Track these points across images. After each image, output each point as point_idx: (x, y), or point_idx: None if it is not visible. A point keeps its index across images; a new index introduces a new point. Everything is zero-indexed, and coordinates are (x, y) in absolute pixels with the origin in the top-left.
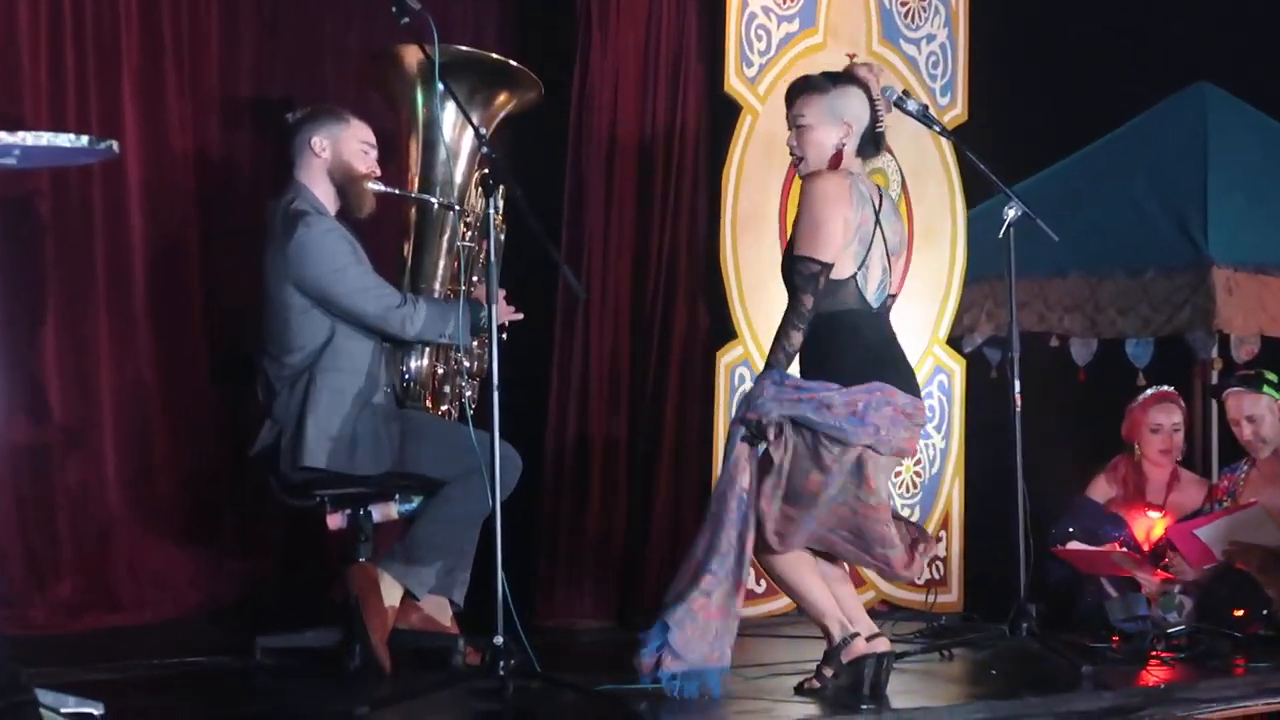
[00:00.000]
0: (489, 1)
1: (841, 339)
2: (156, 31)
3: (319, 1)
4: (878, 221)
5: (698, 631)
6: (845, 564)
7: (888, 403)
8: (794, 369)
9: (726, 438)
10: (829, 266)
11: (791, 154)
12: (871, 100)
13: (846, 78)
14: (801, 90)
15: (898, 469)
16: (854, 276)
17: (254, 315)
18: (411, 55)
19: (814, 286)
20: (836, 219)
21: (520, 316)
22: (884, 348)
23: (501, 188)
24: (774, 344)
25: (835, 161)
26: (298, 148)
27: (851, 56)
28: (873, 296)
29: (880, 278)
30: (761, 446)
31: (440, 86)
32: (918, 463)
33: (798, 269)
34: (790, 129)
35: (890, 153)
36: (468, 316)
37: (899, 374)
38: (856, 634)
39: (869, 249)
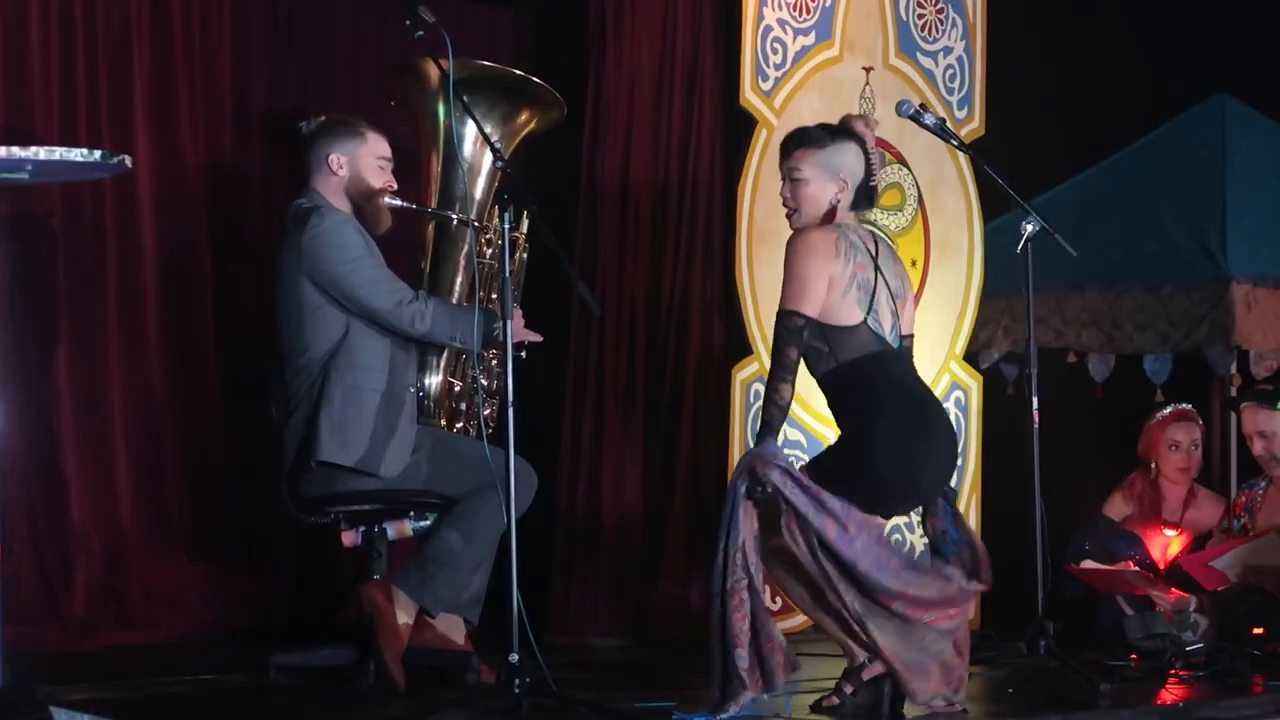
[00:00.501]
0: (502, 14)
1: (874, 381)
2: (168, 42)
3: (332, 12)
4: (877, 267)
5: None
6: None
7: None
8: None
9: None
10: (810, 321)
11: (785, 205)
12: (867, 154)
13: (844, 132)
14: (798, 144)
15: None
16: (864, 322)
17: (268, 329)
18: (433, 69)
19: (798, 340)
20: (820, 273)
21: (538, 339)
22: (915, 387)
23: (519, 204)
24: (765, 402)
25: (829, 217)
26: (314, 163)
27: (868, 70)
28: (891, 339)
29: (891, 321)
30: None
31: (459, 102)
32: None
33: (780, 324)
34: (784, 180)
35: (906, 166)
36: (482, 324)
37: (929, 417)
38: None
39: (873, 294)
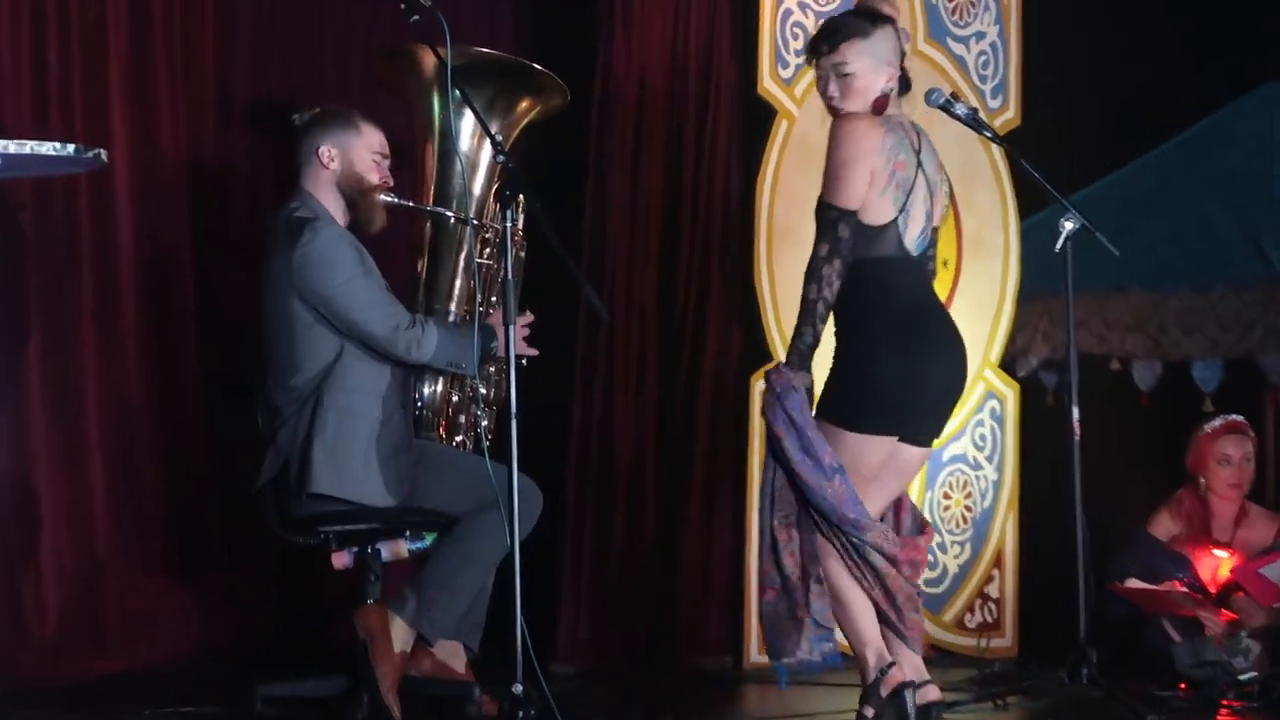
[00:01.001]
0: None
1: (877, 285)
2: (146, 26)
3: None
4: (919, 164)
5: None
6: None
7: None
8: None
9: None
10: (850, 214)
11: (830, 104)
12: (899, 36)
13: (880, 17)
14: (843, 36)
15: (945, 500)
16: (894, 221)
17: (254, 333)
18: (427, 56)
19: (832, 236)
20: (863, 164)
21: (533, 353)
22: (923, 297)
23: (521, 201)
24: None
25: (880, 107)
26: (304, 155)
27: None
28: (913, 244)
29: (923, 224)
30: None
31: (456, 92)
32: (968, 496)
33: (823, 215)
34: (828, 78)
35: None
36: (480, 345)
37: (930, 341)
38: (893, 663)
39: (909, 193)
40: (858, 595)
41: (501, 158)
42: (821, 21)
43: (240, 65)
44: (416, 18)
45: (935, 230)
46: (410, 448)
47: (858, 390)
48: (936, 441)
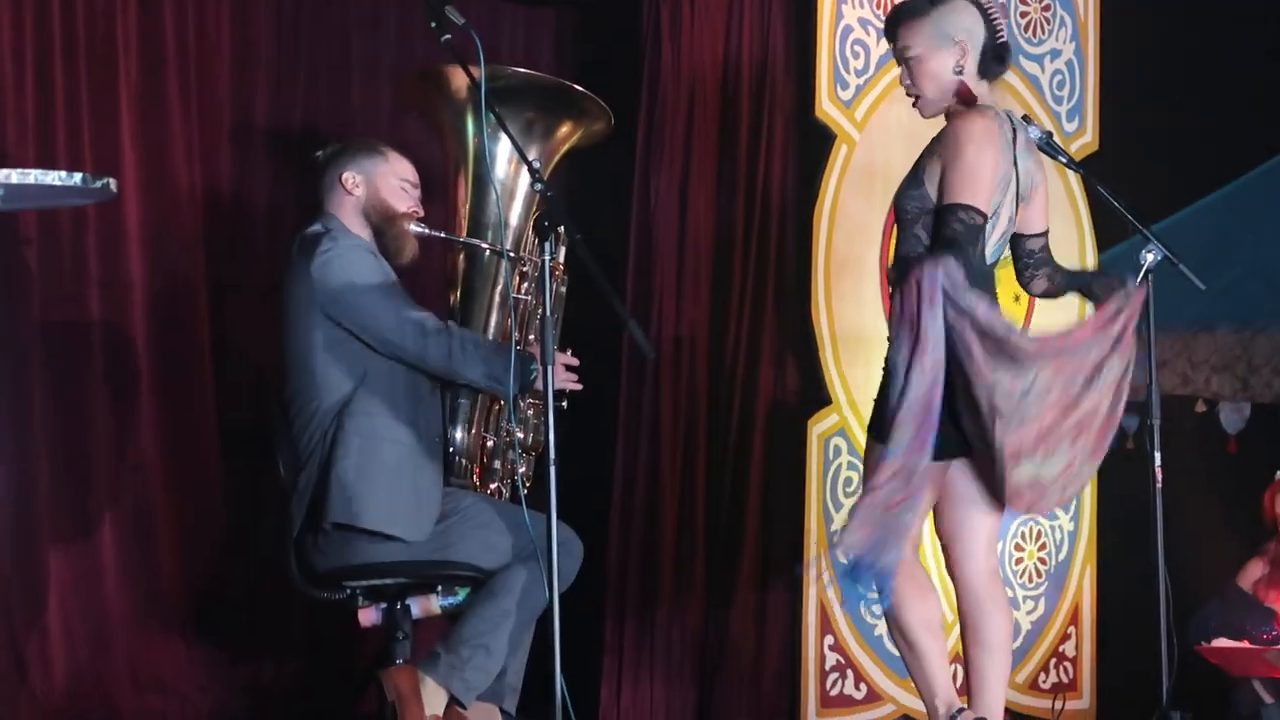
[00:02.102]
0: (542, 13)
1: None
2: (159, 50)
3: (346, 14)
4: (1015, 160)
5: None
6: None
7: None
8: None
9: None
10: (989, 218)
11: (908, 94)
12: (983, 8)
13: None
14: (900, 19)
15: (1017, 553)
16: (981, 227)
17: (274, 376)
18: (460, 77)
19: (978, 239)
20: (989, 163)
21: (579, 387)
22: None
23: (560, 232)
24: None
25: (965, 92)
26: (327, 184)
27: None
28: (991, 249)
29: (1005, 228)
30: None
31: (491, 115)
32: (1042, 548)
33: (958, 218)
34: (900, 65)
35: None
36: (519, 367)
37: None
38: (962, 709)
39: (1004, 195)
40: (932, 644)
41: (540, 186)
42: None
43: (259, 91)
44: (449, 36)
45: (1040, 236)
46: (440, 479)
47: (882, 409)
48: None
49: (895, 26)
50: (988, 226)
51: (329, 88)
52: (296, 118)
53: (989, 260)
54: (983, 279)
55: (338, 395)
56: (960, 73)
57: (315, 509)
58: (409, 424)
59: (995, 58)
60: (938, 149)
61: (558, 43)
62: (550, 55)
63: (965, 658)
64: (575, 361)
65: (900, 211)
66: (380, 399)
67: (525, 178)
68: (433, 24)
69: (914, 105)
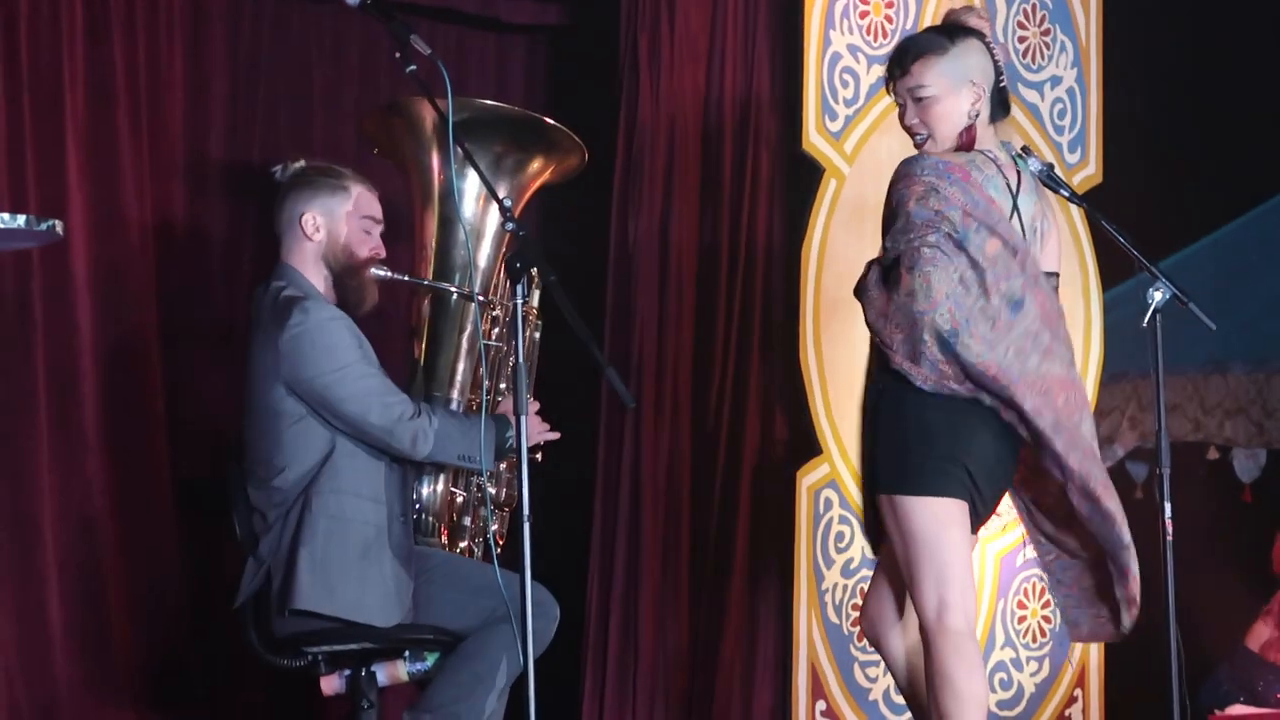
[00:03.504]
0: (512, 41)
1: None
2: (108, 83)
3: (306, 44)
4: (1015, 206)
5: None
6: None
7: None
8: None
9: None
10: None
11: (913, 135)
12: (991, 50)
13: (962, 30)
14: (916, 53)
15: (1020, 610)
16: None
17: (231, 431)
18: (426, 110)
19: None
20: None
21: (555, 436)
22: None
23: (533, 273)
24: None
25: (969, 135)
26: (285, 223)
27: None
28: None
29: None
30: None
31: (458, 150)
32: (1045, 605)
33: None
34: (905, 104)
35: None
36: (492, 437)
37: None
38: None
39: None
40: (976, 688)
41: (510, 224)
42: (887, 56)
43: (215, 126)
44: (414, 67)
45: (1055, 276)
46: (412, 559)
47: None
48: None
49: (909, 61)
50: None
51: (289, 122)
52: (254, 154)
53: None
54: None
55: (306, 466)
56: (976, 117)
57: (282, 588)
58: (378, 500)
59: (1000, 102)
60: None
61: (529, 71)
62: (521, 84)
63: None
64: (537, 406)
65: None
66: (349, 474)
67: (495, 216)
68: (397, 54)
69: (917, 145)
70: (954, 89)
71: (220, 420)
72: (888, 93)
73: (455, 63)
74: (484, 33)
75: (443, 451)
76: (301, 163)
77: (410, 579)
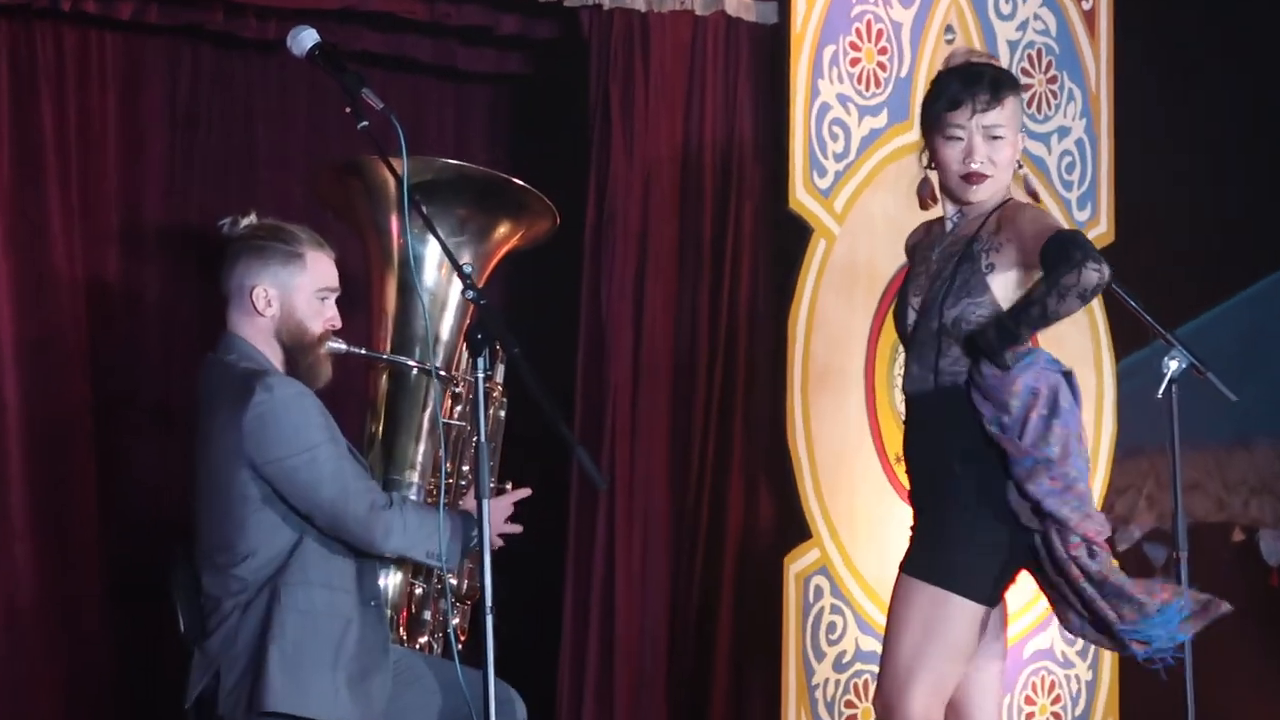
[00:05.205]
0: (474, 91)
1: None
2: (34, 139)
3: (250, 99)
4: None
5: None
6: None
7: None
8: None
9: None
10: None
11: (970, 181)
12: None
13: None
14: (1010, 85)
15: (1028, 706)
16: None
17: (171, 513)
18: (381, 170)
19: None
20: None
21: (518, 530)
22: None
23: (498, 346)
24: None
25: (929, 198)
26: (233, 291)
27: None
28: None
29: None
30: None
31: (417, 213)
32: (1055, 700)
33: (1077, 240)
34: (972, 140)
35: None
36: (459, 536)
37: None
38: None
39: None
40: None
41: (473, 294)
42: (949, 67)
43: (151, 187)
44: (366, 124)
45: None
46: (389, 645)
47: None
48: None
49: (1004, 91)
50: None
51: (231, 182)
52: (193, 216)
53: None
54: None
55: (272, 553)
56: (1021, 168)
57: (246, 692)
58: (348, 590)
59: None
60: (999, 238)
61: (492, 123)
62: (484, 138)
63: None
64: (527, 492)
65: (948, 327)
66: (319, 566)
67: (457, 285)
68: (348, 109)
69: (973, 189)
70: (1016, 135)
71: (156, 494)
72: (948, 126)
73: (412, 116)
74: (442, 83)
75: (413, 548)
76: (252, 217)
77: (390, 667)
